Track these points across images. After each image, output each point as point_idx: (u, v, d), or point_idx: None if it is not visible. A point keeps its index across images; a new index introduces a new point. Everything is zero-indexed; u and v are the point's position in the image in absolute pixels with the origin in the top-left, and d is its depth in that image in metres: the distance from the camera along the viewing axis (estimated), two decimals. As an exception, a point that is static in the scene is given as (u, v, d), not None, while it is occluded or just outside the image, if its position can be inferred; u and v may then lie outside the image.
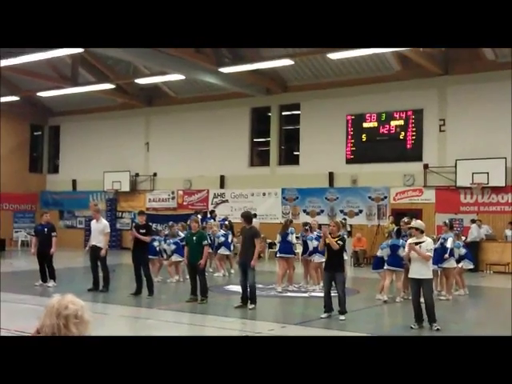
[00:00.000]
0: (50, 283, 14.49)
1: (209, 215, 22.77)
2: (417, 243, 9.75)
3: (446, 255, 13.22)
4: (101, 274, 13.93)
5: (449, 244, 12.99)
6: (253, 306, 11.62)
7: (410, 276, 9.94)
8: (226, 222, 20.85)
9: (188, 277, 13.37)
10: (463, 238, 15.91)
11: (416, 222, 10.18)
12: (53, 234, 14.60)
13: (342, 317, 10.55)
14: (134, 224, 15.15)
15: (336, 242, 10.65)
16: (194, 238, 12.50)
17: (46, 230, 14.72)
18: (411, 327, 9.76)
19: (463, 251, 14.16)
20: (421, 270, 9.67)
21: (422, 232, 9.90)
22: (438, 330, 9.56)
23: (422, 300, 9.90)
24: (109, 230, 14.24)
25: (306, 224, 15.59)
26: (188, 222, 14.89)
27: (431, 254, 9.94)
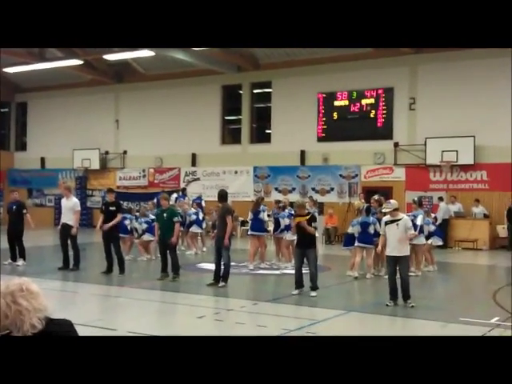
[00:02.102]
0: (20, 262, 14.32)
1: (180, 193, 22.72)
2: (393, 221, 9.82)
3: (416, 232, 13.37)
4: (71, 253, 13.80)
5: (418, 221, 13.13)
6: (223, 283, 11.64)
7: (387, 254, 9.94)
8: (203, 202, 20.87)
9: (159, 254, 13.33)
10: (432, 215, 16.11)
11: (391, 204, 10.16)
12: (24, 211, 14.47)
13: (313, 293, 10.63)
14: (103, 202, 14.97)
15: (306, 219, 10.73)
16: (165, 214, 12.45)
17: (14, 207, 14.55)
18: (387, 304, 9.81)
19: (432, 228, 14.38)
20: (399, 248, 9.72)
21: (397, 210, 10.01)
22: (412, 306, 9.65)
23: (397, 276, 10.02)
24: (79, 208, 14.09)
25: (278, 201, 15.65)
26: (155, 200, 14.83)
27: (412, 230, 10.07)
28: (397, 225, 9.75)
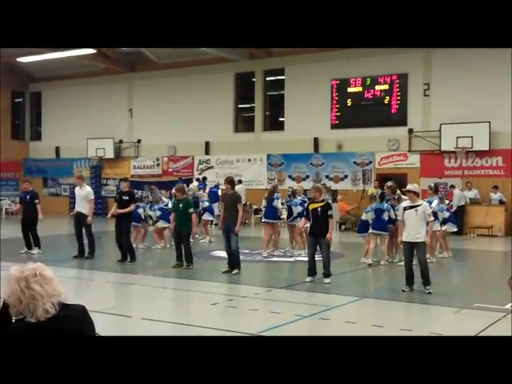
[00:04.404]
0: (35, 250, 14.45)
1: (197, 181, 22.84)
2: (412, 206, 9.77)
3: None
4: (86, 241, 13.90)
5: (433, 204, 13.11)
6: (236, 271, 11.67)
7: (404, 239, 9.88)
8: (219, 191, 20.89)
9: (174, 243, 13.39)
10: (447, 201, 16.02)
11: (413, 186, 10.13)
12: (36, 201, 14.55)
13: (326, 280, 10.63)
14: (117, 191, 15.07)
15: (320, 206, 10.69)
16: (181, 205, 12.49)
17: (28, 197, 14.69)
18: (403, 290, 9.78)
19: (447, 214, 14.30)
20: (415, 234, 9.65)
21: (417, 195, 9.94)
22: (429, 293, 9.61)
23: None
24: (92, 197, 14.18)
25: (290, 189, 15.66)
26: (173, 191, 14.84)
27: (431, 217, 10.02)
28: (415, 210, 9.69)
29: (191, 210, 12.57)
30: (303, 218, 11.97)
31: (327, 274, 10.68)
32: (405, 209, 9.87)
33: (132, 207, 13.53)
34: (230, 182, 12.07)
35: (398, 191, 14.04)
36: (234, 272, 11.63)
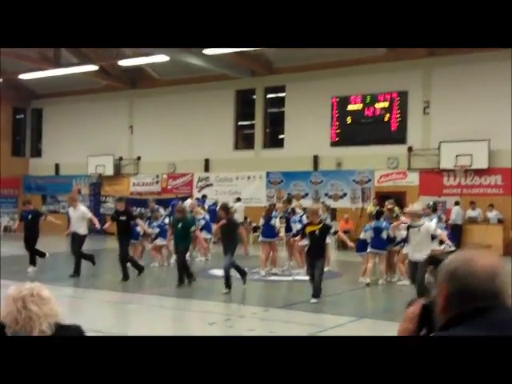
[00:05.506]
0: (30, 268, 14.26)
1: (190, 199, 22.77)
2: (414, 226, 9.75)
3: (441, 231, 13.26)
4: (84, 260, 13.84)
5: (432, 223, 13.06)
6: (227, 290, 11.51)
7: (410, 258, 9.88)
8: (217, 208, 20.82)
9: (172, 261, 13.36)
10: (444, 217, 16.00)
11: (413, 208, 10.10)
12: (42, 217, 14.91)
13: (313, 300, 10.49)
14: (115, 210, 14.93)
15: (318, 229, 10.64)
16: (179, 224, 12.41)
17: (29, 216, 14.62)
18: None
19: (445, 233, 14.24)
20: (420, 253, 9.63)
21: (419, 216, 9.89)
22: None
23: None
24: (89, 215, 14.15)
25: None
26: (170, 208, 14.83)
27: (439, 231, 10.02)
28: (418, 230, 9.67)
29: (193, 228, 12.56)
30: (299, 236, 11.92)
31: (315, 295, 10.56)
32: (408, 227, 9.86)
33: (145, 226, 13.63)
34: (224, 208, 12.00)
35: (397, 208, 14.02)
36: (224, 291, 11.47)
